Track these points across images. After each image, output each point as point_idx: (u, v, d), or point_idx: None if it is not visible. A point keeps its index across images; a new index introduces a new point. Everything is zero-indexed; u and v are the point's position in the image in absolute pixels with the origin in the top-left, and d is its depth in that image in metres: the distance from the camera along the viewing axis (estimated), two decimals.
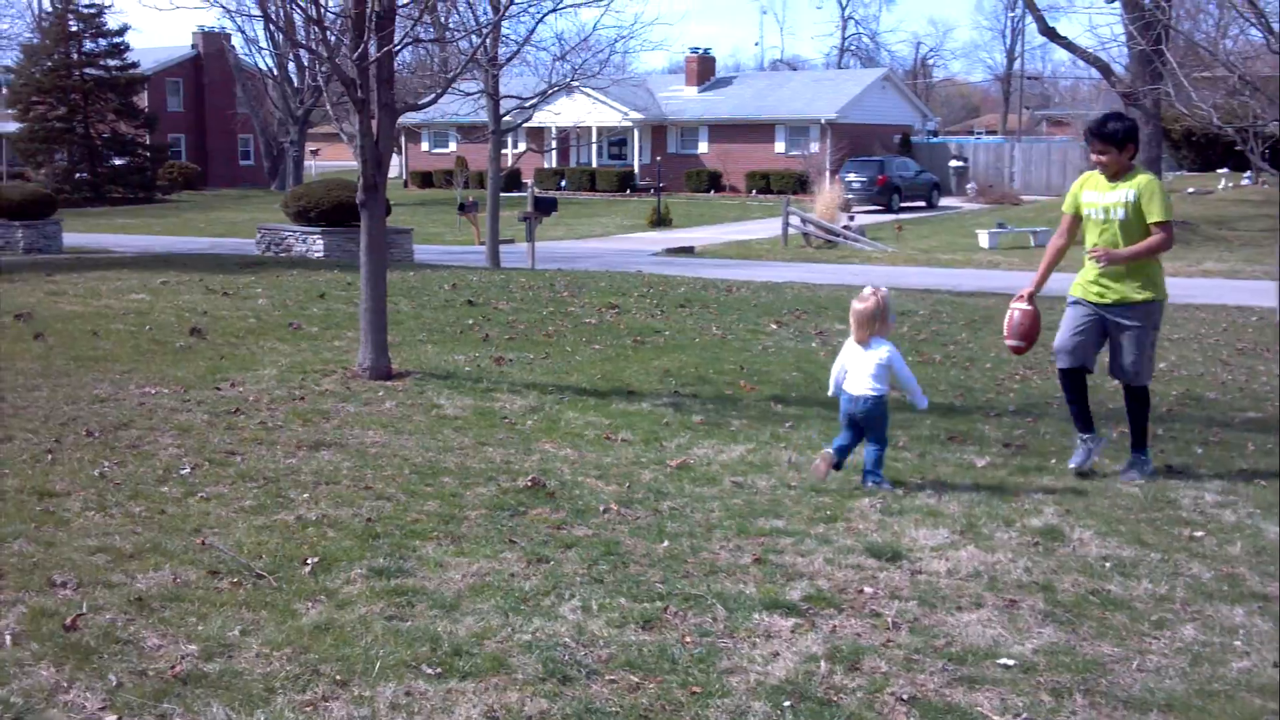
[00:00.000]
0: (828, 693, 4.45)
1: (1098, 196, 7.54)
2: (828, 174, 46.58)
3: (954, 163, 52.44)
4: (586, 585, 5.42)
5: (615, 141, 58.60)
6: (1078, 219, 7.73)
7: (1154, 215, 7.38)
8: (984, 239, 32.36)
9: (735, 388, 10.34)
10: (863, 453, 7.44)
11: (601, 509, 6.61)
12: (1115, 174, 7.49)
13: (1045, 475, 7.72)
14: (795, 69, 79.80)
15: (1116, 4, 29.46)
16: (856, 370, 7.28)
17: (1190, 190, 39.75)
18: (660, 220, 41.32)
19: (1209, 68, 25.71)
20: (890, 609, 5.26)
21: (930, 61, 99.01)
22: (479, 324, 13.20)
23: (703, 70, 59.97)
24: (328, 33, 9.97)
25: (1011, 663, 4.73)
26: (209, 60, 64.91)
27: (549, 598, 5.25)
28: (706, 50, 60.86)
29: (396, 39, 10.11)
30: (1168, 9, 28.93)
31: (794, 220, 33.90)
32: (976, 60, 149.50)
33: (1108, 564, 5.94)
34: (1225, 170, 40.71)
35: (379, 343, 10.05)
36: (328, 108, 11.39)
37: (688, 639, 4.86)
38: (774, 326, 13.80)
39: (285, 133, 57.07)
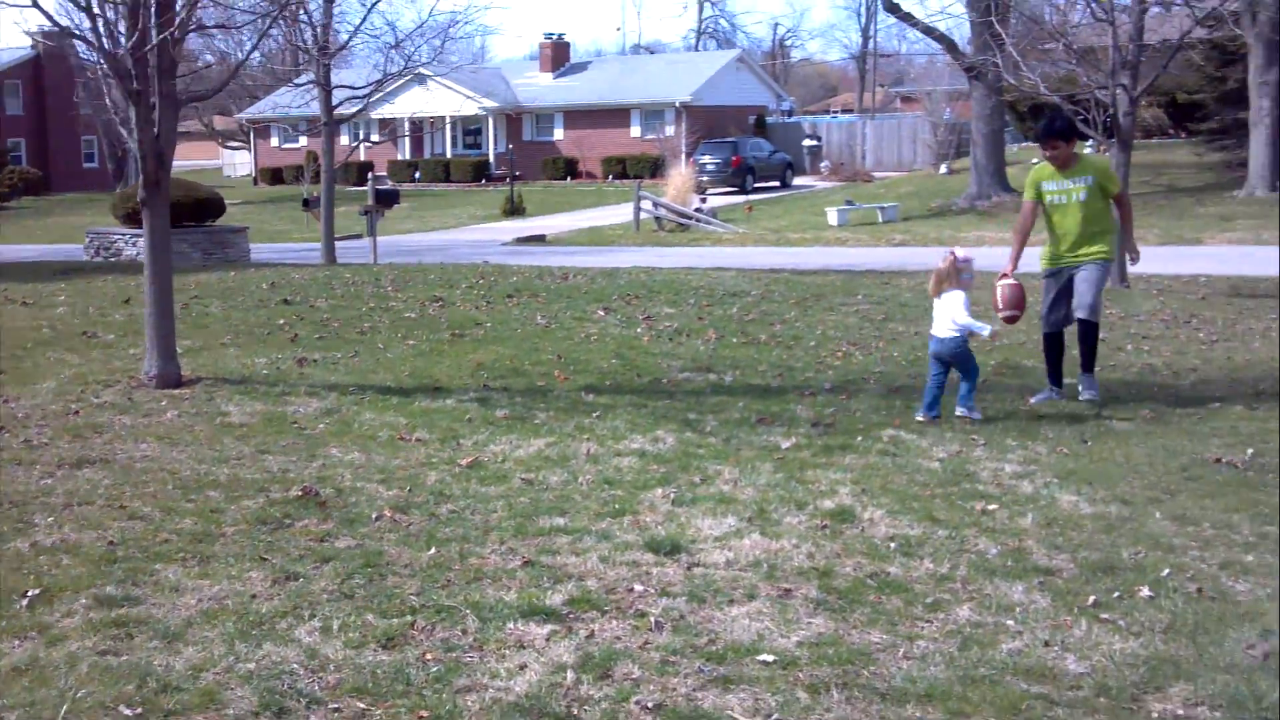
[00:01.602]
0: (570, 706, 4.14)
1: (1058, 184, 8.95)
2: (683, 156, 46.49)
3: (808, 142, 52.69)
4: (333, 602, 5.04)
5: (470, 131, 57.87)
6: (1039, 204, 9.13)
7: (1114, 187, 8.96)
8: (833, 217, 32.49)
9: (549, 378, 10.01)
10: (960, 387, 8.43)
11: (374, 516, 6.23)
12: (1065, 163, 8.90)
13: (849, 454, 7.53)
14: (654, 53, 79.67)
15: None
16: (938, 317, 8.50)
17: (1034, 161, 40.37)
18: (514, 209, 40.83)
19: (1050, 40, 26.05)
20: (656, 607, 4.98)
21: (788, 42, 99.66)
22: (290, 323, 12.66)
23: (557, 56, 59.49)
24: (98, 19, 9.36)
25: (772, 658, 4.47)
26: (50, 61, 62.46)
27: (286, 619, 4.85)
28: (561, 36, 60.38)
29: (178, 24, 9.54)
30: None
31: (646, 204, 33.70)
32: (833, 40, 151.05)
33: (893, 544, 5.74)
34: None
35: (166, 349, 9.50)
36: (107, 99, 10.74)
37: (429, 656, 4.51)
38: (601, 313, 13.50)
39: (130, 132, 55.20)
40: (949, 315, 8.43)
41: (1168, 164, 36.67)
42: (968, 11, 29.05)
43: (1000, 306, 8.98)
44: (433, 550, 5.69)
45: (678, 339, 11.93)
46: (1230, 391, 9.39)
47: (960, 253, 8.67)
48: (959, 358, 8.48)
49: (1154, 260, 15.74)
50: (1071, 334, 9.18)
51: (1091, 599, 4.99)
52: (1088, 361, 9.07)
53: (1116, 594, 5.06)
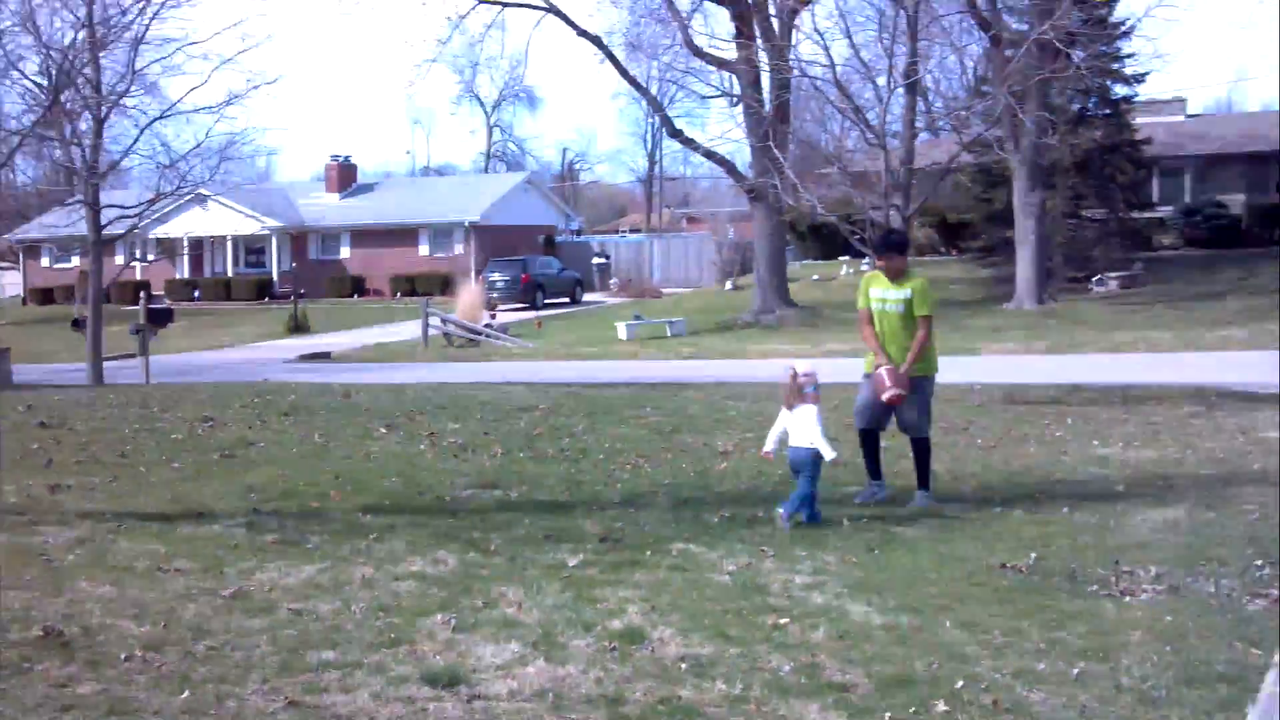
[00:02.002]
0: None
1: (883, 293, 9.33)
2: (473, 274, 46.34)
3: (597, 260, 53.23)
4: None
5: (253, 250, 56.65)
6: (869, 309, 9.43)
7: (922, 310, 9.23)
8: (622, 331, 32.69)
9: (325, 500, 9.50)
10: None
11: (123, 657, 5.66)
12: (896, 275, 9.31)
13: (638, 569, 7.27)
14: (444, 175, 79.80)
15: (739, 108, 30.57)
16: (792, 430, 8.74)
17: (815, 277, 41.62)
18: (298, 327, 39.97)
19: (826, 163, 26.90)
20: None
21: (577, 166, 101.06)
22: (46, 447, 11.81)
23: (344, 177, 58.96)
24: None
25: None
26: None
27: None
28: (347, 158, 59.97)
29: None
30: (787, 112, 30.25)
31: (435, 321, 33.34)
32: (621, 163, 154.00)
33: (684, 665, 5.48)
34: (846, 258, 42.80)
35: None
36: None
37: None
38: (384, 430, 13.03)
39: None
40: (801, 430, 8.65)
41: (940, 280, 38.11)
42: (748, 137, 29.84)
43: (885, 387, 9.12)
44: (186, 693, 5.17)
45: (463, 455, 11.56)
46: (1010, 495, 9.51)
47: (801, 367, 8.87)
48: (808, 468, 8.62)
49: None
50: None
51: (887, 716, 4.81)
52: (924, 477, 9.36)
53: (912, 709, 4.90)
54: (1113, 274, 34.45)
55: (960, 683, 5.16)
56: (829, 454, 8.59)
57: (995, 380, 18.71)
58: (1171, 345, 24.44)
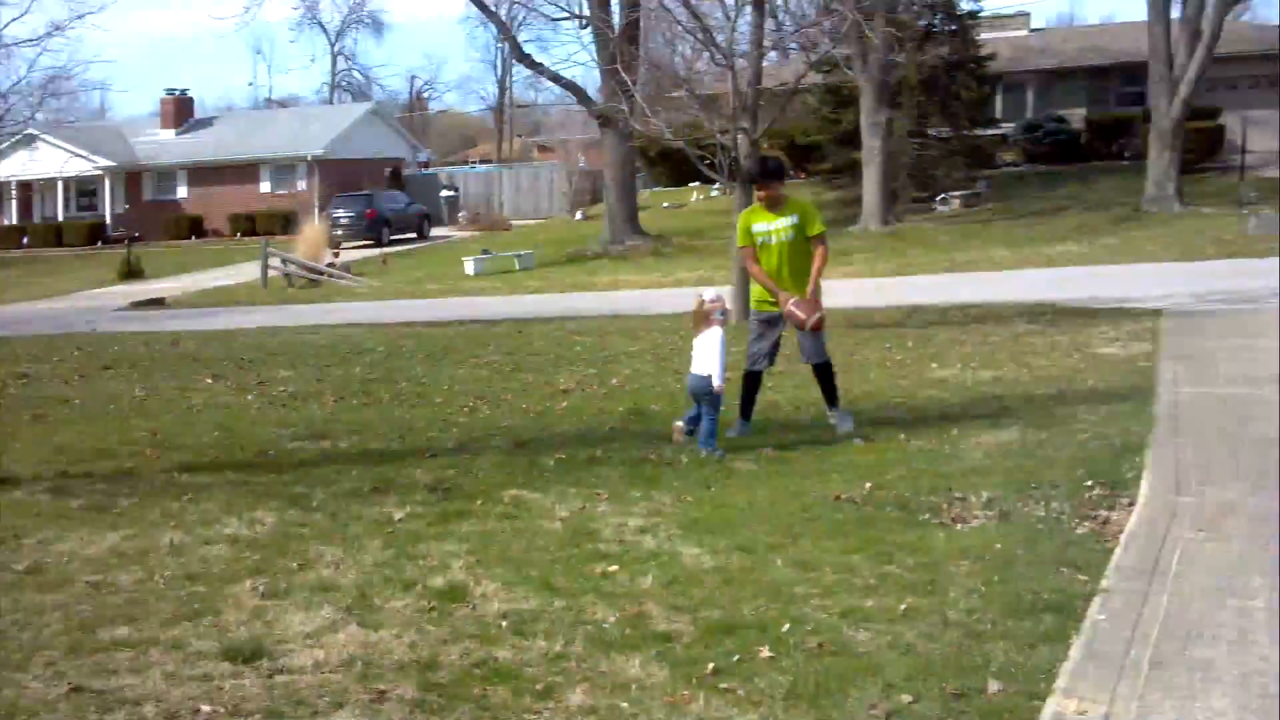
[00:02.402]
0: None
1: (768, 225, 9.03)
2: (316, 211, 45.14)
3: (445, 193, 52.28)
4: None
5: (85, 192, 54.37)
6: (753, 246, 9.11)
7: (816, 229, 9.02)
8: (470, 266, 32.18)
9: (141, 458, 9.02)
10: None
11: None
12: (776, 203, 9.05)
13: (467, 520, 7.00)
14: (286, 107, 77.38)
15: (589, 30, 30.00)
16: (696, 356, 8.70)
17: (665, 205, 41.48)
18: (132, 272, 38.50)
19: (679, 87, 26.56)
20: None
21: (426, 95, 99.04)
22: None
23: (180, 112, 56.73)
24: None
25: None
26: None
27: None
28: (184, 91, 57.67)
29: None
30: (637, 34, 29.81)
31: (275, 262, 32.41)
32: (470, 92, 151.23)
33: (505, 623, 5.23)
34: (697, 184, 42.69)
35: None
36: None
37: None
38: (209, 381, 12.51)
39: None
40: (702, 356, 8.65)
41: None
42: (596, 60, 29.33)
43: (804, 317, 8.93)
44: None
45: (292, 404, 11.14)
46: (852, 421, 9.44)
47: (708, 294, 8.85)
48: (709, 395, 8.57)
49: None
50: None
51: (711, 666, 4.63)
52: (833, 397, 9.33)
53: (737, 658, 4.72)
54: (956, 193, 34.93)
55: (787, 626, 5.01)
56: (716, 382, 8.53)
57: (839, 305, 18.77)
58: (1012, 263, 24.85)
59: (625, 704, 4.37)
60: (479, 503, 7.39)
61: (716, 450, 8.49)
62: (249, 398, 11.54)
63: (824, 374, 9.30)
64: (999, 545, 6.01)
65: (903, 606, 5.18)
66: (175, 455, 9.07)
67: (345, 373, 12.97)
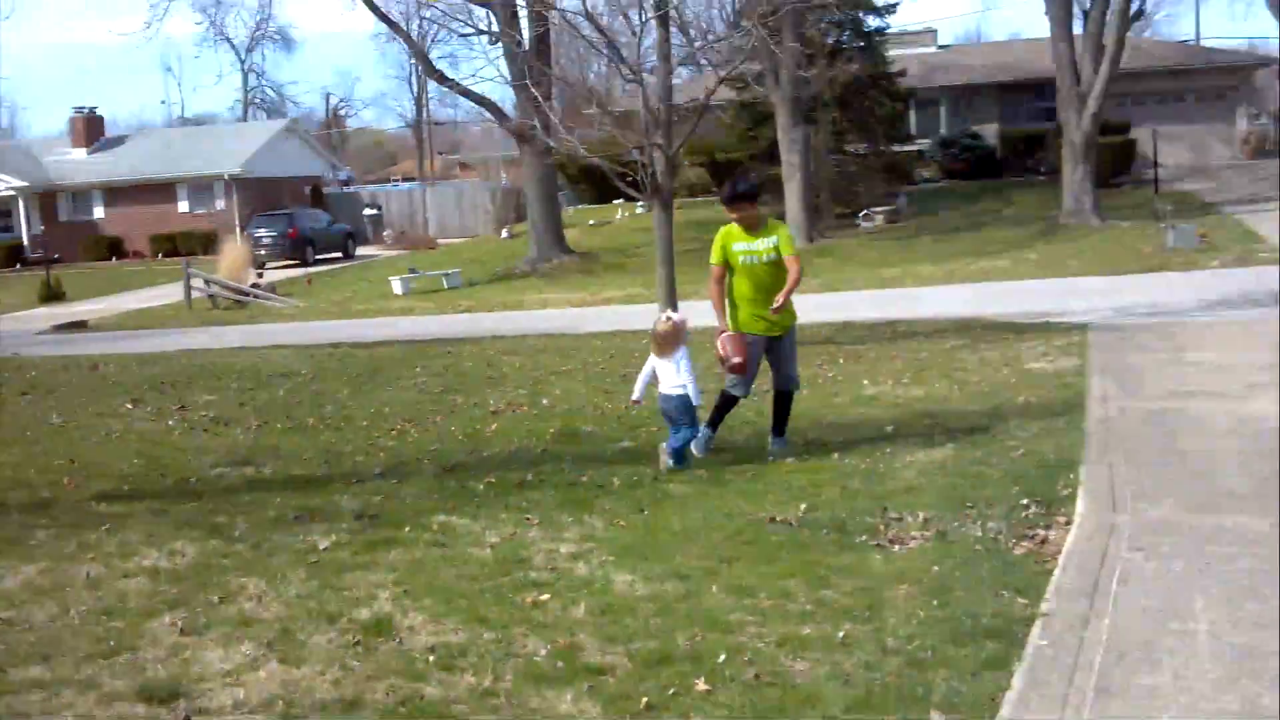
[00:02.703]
0: None
1: (748, 245, 8.79)
2: (237, 230, 44.49)
3: (368, 211, 51.77)
4: None
5: (1, 213, 53.17)
6: (727, 267, 8.93)
7: (790, 250, 8.81)
8: (397, 286, 31.81)
9: (58, 488, 8.73)
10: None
11: None
12: (753, 225, 8.81)
13: (394, 548, 6.81)
14: (200, 125, 76.34)
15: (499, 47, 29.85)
16: (664, 376, 8.79)
17: (591, 222, 41.35)
18: (53, 295, 37.66)
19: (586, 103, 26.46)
20: None
21: (342, 112, 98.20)
22: None
23: (90, 130, 55.59)
24: None
25: None
26: None
27: None
28: (93, 109, 56.46)
29: None
30: (547, 50, 29.75)
31: (198, 283, 31.84)
32: (387, 109, 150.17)
33: (433, 657, 5.07)
34: (621, 201, 42.63)
35: None
36: None
37: None
38: (130, 406, 12.19)
39: None
40: (673, 375, 8.73)
41: (714, 220, 38.21)
42: (509, 77, 29.19)
43: (729, 356, 8.77)
44: None
45: (214, 430, 10.87)
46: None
47: (675, 316, 9.19)
48: (684, 413, 8.68)
49: (706, 313, 15.97)
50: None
51: (645, 701, 4.50)
52: (783, 426, 9.14)
53: (672, 691, 4.60)
54: (877, 209, 35.15)
55: (722, 656, 4.90)
56: (696, 399, 8.68)
57: None
58: (938, 278, 25.00)
59: None
60: (406, 530, 7.21)
61: (681, 461, 8.63)
62: (170, 423, 11.24)
63: (789, 401, 9.14)
64: (937, 568, 5.95)
65: (841, 633, 5.09)
66: (94, 484, 8.80)
67: (269, 396, 12.70)
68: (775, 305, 8.67)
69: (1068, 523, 6.61)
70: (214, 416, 11.46)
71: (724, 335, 8.85)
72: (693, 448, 8.80)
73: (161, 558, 6.80)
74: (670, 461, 8.64)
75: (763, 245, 8.78)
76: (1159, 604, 5.17)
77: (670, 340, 8.80)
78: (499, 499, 7.94)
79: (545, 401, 11.99)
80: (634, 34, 16.28)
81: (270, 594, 6.04)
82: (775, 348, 9.00)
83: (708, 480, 8.23)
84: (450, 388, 13.09)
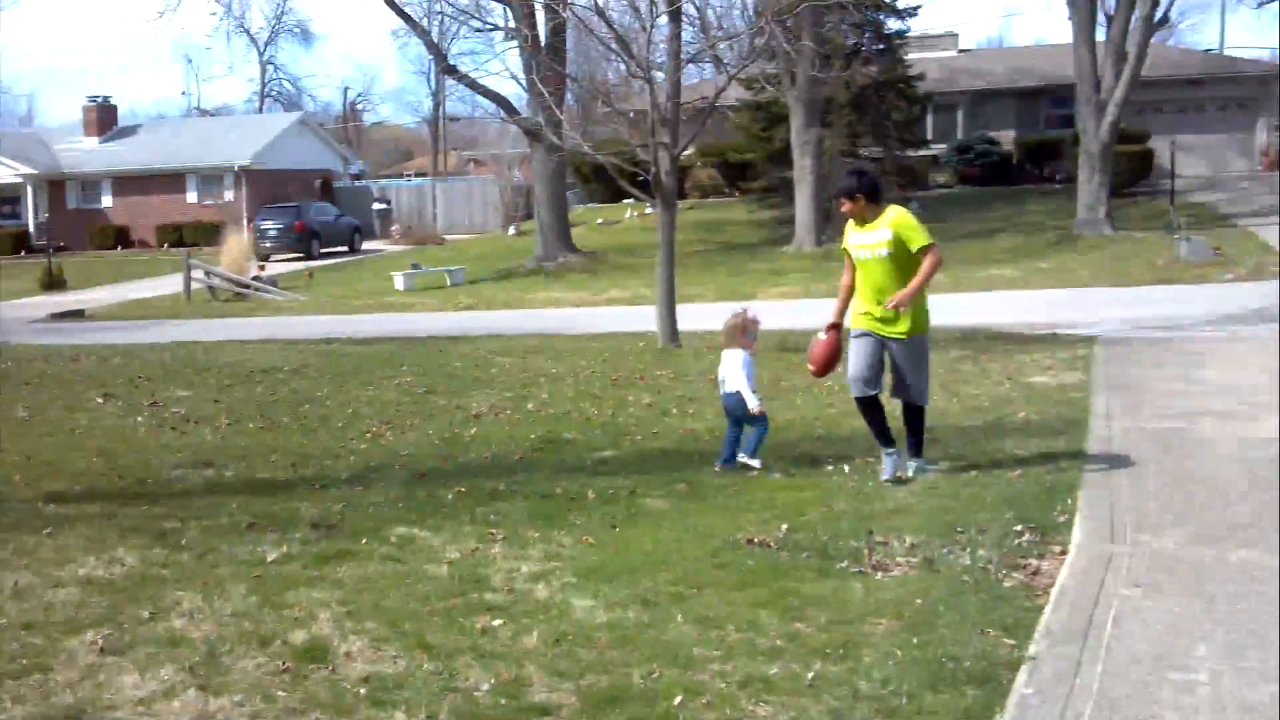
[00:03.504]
0: None
1: (860, 238, 8.03)
2: (245, 221, 44.19)
3: (377, 205, 51.42)
4: None
5: (8, 200, 52.92)
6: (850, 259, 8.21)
7: (917, 242, 7.81)
8: (399, 281, 31.45)
9: (9, 485, 8.34)
10: None
11: None
12: (865, 218, 7.98)
13: (346, 562, 6.41)
14: (213, 115, 76.02)
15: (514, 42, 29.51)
16: (727, 372, 8.59)
17: (600, 221, 40.95)
18: (54, 283, 37.39)
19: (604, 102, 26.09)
20: None
21: (360, 106, 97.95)
22: None
23: (103, 119, 55.37)
24: None
25: None
26: None
27: None
28: (106, 99, 56.33)
29: None
30: (561, 47, 29.38)
31: (199, 274, 31.51)
32: (404, 104, 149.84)
33: (365, 689, 4.66)
34: (631, 201, 42.23)
35: None
36: None
37: None
38: (100, 400, 11.80)
39: None
40: (732, 374, 8.57)
41: (724, 221, 37.90)
42: (517, 73, 28.86)
43: (809, 361, 8.32)
44: None
45: (182, 427, 10.48)
46: (769, 456, 8.93)
47: (749, 312, 8.87)
48: (747, 415, 8.52)
49: (706, 317, 15.57)
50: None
51: None
52: (918, 447, 8.22)
53: None
54: None
55: (679, 697, 4.48)
56: (754, 405, 8.48)
57: (771, 326, 18.29)
58: (945, 285, 24.50)
59: None
60: (363, 542, 6.81)
61: (755, 459, 8.42)
62: (138, 419, 10.85)
63: (915, 416, 8.22)
64: (920, 600, 5.52)
65: (810, 674, 4.67)
66: (46, 483, 8.40)
67: (246, 393, 12.30)
68: (891, 302, 7.73)
69: (1063, 552, 6.19)
70: (184, 414, 11.07)
71: (819, 336, 8.17)
72: (903, 472, 8.05)
73: (99, 566, 6.40)
74: (753, 463, 8.44)
75: (874, 239, 7.88)
76: (1156, 650, 4.74)
77: (734, 335, 8.70)
78: (466, 510, 7.54)
79: (530, 405, 11.59)
80: (644, 29, 15.87)
81: (204, 611, 5.64)
82: (895, 353, 8.02)
83: (686, 495, 7.81)
84: (434, 389, 12.69)
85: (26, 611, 5.69)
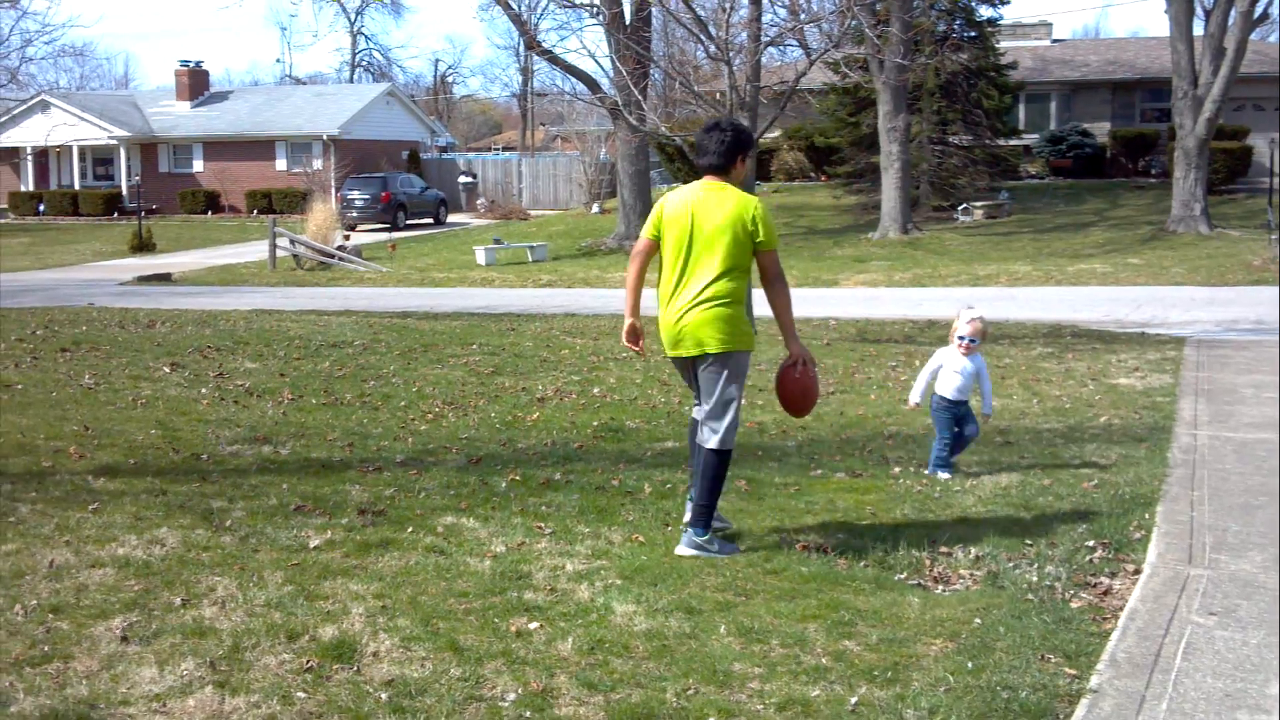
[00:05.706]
0: None
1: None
2: (332, 191, 44.45)
3: (463, 179, 51.56)
4: None
5: (102, 161, 53.83)
6: None
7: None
8: (481, 256, 31.45)
9: (62, 456, 8.28)
10: None
11: None
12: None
13: (389, 552, 6.23)
14: (303, 84, 76.67)
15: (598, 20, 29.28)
16: (941, 370, 8.20)
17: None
18: (143, 245, 37.95)
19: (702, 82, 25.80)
20: None
21: (450, 79, 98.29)
22: None
23: (195, 85, 56.11)
24: None
25: None
26: None
27: None
28: (198, 63, 57.03)
29: None
30: (646, 26, 29.11)
31: (284, 242, 31.74)
32: (494, 77, 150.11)
33: (386, 694, 4.46)
34: None
35: None
36: None
37: None
38: (167, 370, 11.77)
39: None
40: (966, 374, 8.15)
41: (808, 205, 37.43)
42: (609, 53, 28.58)
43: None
44: None
45: (245, 401, 10.40)
46: (837, 453, 8.66)
47: (975, 310, 8.33)
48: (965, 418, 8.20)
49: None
50: None
51: None
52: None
53: None
54: (978, 203, 34.01)
55: (712, 719, 4.23)
56: (987, 407, 8.40)
57: (852, 315, 17.93)
58: (1033, 278, 23.97)
59: None
60: (409, 530, 6.63)
61: (946, 470, 7.99)
62: (202, 390, 10.79)
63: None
64: (979, 619, 5.22)
65: (854, 699, 4.40)
66: (100, 455, 8.33)
67: (313, 367, 12.22)
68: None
69: (1136, 572, 5.85)
70: (249, 387, 11.00)
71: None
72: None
73: (139, 546, 6.27)
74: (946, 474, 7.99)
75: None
76: (1228, 686, 4.41)
77: (982, 335, 8.35)
78: (518, 500, 7.34)
79: (596, 390, 11.38)
80: (724, 10, 15.55)
81: (237, 599, 5.48)
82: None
83: (746, 494, 7.54)
84: (501, 369, 12.53)
85: (58, 593, 5.57)
